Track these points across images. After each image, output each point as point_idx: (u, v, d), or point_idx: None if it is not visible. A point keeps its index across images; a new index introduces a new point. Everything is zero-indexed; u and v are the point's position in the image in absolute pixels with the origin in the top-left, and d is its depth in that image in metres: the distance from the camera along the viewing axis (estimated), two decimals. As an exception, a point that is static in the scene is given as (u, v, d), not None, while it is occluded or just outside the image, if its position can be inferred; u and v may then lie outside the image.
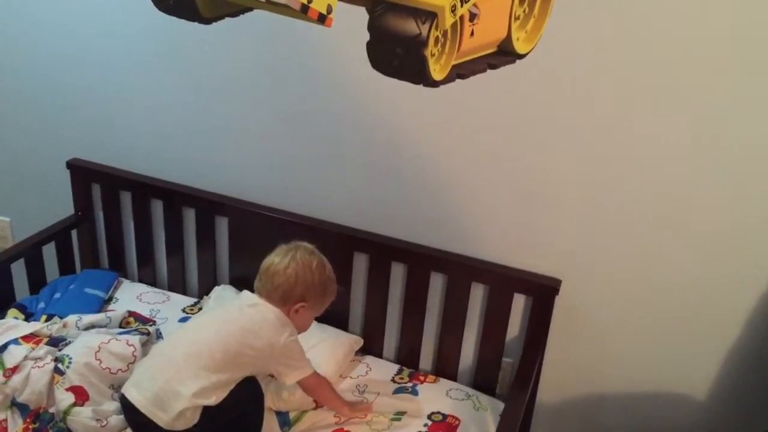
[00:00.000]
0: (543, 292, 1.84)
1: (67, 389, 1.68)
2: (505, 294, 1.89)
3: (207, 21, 1.90)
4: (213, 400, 1.53)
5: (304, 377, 1.67)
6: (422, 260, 1.94)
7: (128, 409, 1.56)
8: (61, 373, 1.69)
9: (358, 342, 2.04)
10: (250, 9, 1.84)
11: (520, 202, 1.82)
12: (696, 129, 1.60)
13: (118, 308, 2.06)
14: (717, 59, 1.53)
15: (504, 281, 1.88)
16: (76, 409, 1.66)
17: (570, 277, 1.83)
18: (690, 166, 1.64)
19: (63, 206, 2.29)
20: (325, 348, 1.92)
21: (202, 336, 1.60)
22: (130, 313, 1.94)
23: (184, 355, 1.55)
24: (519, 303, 1.90)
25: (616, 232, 1.76)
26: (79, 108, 2.21)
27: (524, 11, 1.66)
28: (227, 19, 1.88)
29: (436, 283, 1.96)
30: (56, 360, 1.72)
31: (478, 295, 1.93)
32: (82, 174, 2.24)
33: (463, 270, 1.91)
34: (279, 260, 1.65)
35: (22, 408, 1.69)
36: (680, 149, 1.63)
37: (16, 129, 2.34)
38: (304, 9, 1.78)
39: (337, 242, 1.98)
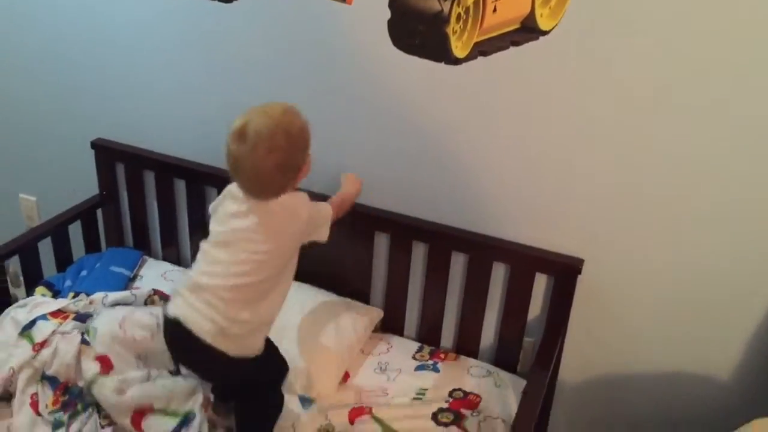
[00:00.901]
0: (565, 271, 1.83)
1: (94, 359, 1.71)
2: (527, 274, 1.88)
3: (228, 0, 1.90)
4: (268, 300, 1.54)
5: (330, 219, 1.67)
6: (444, 240, 1.94)
7: (179, 332, 1.51)
8: (88, 344, 1.73)
9: (379, 314, 2.06)
10: (270, -13, 1.83)
11: (543, 182, 1.80)
12: (724, 109, 1.57)
13: (143, 286, 2.10)
14: (750, 32, 1.50)
15: (526, 261, 1.87)
16: (101, 379, 1.69)
17: (592, 257, 1.82)
18: (715, 148, 1.61)
19: (88, 186, 2.32)
20: (345, 319, 1.94)
21: (233, 269, 1.51)
22: (155, 291, 1.97)
23: (226, 289, 1.49)
24: (541, 283, 1.90)
25: (638, 212, 1.74)
26: (103, 88, 2.23)
27: (548, -14, 1.64)
28: (248, -2, 1.88)
29: (458, 262, 1.96)
30: (83, 333, 1.76)
31: (499, 274, 1.93)
32: (107, 154, 2.27)
33: (484, 249, 1.90)
34: (251, 163, 1.45)
35: (52, 381, 1.74)
36: (705, 130, 1.60)
37: (41, 110, 2.37)
38: (325, -14, 1.76)
39: (358, 222, 1.98)
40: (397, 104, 1.87)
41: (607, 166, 1.72)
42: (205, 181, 2.16)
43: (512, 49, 1.69)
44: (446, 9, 1.69)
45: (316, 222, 1.64)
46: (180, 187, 2.22)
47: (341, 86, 1.90)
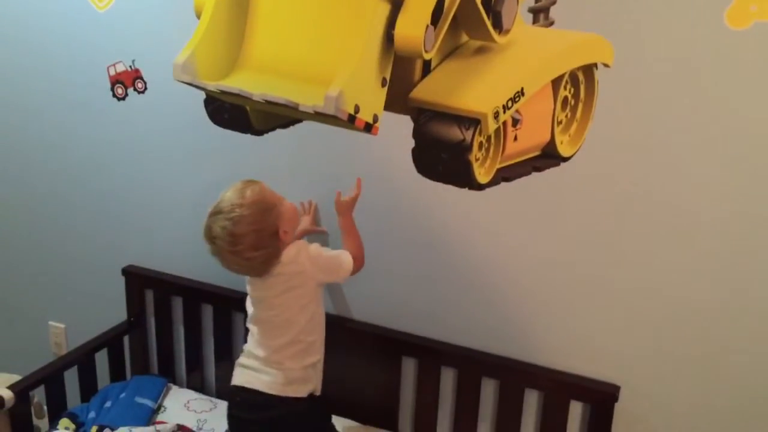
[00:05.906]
0: (601, 399, 1.76)
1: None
2: (561, 401, 1.81)
3: (259, 132, 1.98)
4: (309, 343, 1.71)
5: (351, 264, 1.75)
6: (473, 365, 1.89)
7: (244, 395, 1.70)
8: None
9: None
10: (299, 120, 1.92)
11: (577, 306, 1.77)
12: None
13: (167, 418, 2.06)
14: None
15: (560, 388, 1.80)
16: None
17: (630, 383, 1.75)
18: (756, 272, 1.59)
19: (116, 312, 2.34)
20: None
21: (272, 342, 1.70)
22: (180, 427, 1.93)
23: (275, 352, 1.69)
24: (576, 411, 1.82)
25: (677, 336, 1.69)
26: (134, 215, 2.29)
27: (566, 116, 1.69)
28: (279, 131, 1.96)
29: (489, 389, 1.90)
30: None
31: (532, 402, 1.86)
32: (137, 280, 2.30)
33: (516, 375, 1.85)
34: (228, 257, 1.62)
35: None
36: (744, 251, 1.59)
37: (72, 237, 2.43)
38: (351, 119, 1.83)
39: (385, 346, 1.95)
40: (427, 226, 1.88)
41: (644, 288, 1.70)
42: (232, 306, 2.16)
43: (550, 174, 1.70)
44: (468, 138, 1.74)
45: (328, 266, 1.73)
46: (207, 312, 2.23)
47: (369, 207, 1.92)
